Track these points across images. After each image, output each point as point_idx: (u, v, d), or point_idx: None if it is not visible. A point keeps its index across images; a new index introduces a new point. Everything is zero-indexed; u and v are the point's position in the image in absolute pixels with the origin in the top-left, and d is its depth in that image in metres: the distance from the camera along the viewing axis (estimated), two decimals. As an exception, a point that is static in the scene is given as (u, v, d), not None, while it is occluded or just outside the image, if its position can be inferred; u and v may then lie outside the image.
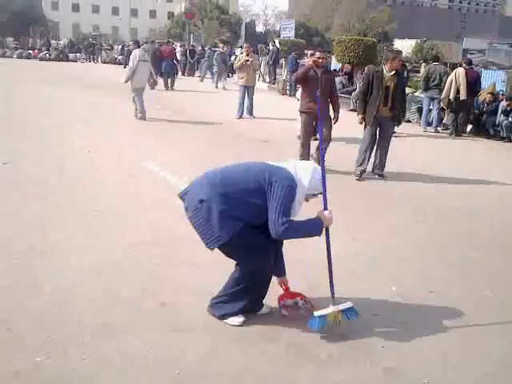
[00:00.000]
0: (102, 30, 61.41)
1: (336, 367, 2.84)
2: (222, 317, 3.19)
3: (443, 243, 4.88)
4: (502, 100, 11.64)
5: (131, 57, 11.04)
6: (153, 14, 72.35)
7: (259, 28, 70.85)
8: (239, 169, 3.15)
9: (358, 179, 6.91)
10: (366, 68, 13.01)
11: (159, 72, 18.08)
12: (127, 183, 6.09)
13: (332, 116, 7.10)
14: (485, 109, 11.82)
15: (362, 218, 5.48)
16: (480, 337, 3.24)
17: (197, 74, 24.36)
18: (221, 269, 3.94)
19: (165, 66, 18.29)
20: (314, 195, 3.16)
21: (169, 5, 72.22)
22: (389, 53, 7.19)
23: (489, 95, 11.91)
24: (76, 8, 68.24)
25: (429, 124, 12.04)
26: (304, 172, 3.05)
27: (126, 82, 10.83)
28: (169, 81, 18.17)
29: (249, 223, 2.99)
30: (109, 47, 36.19)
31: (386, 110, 6.79)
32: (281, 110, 11.54)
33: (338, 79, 18.01)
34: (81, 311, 3.20)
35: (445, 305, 3.62)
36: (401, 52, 7.61)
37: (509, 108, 11.26)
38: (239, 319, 3.18)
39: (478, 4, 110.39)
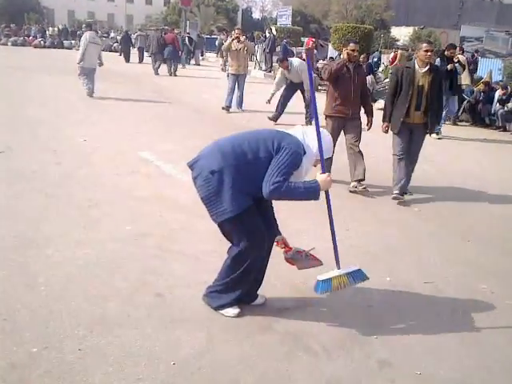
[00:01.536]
0: (97, 17, 60.84)
1: (330, 359, 2.87)
2: (218, 308, 3.20)
3: (439, 236, 4.91)
4: (498, 89, 11.64)
5: (82, 39, 11.68)
6: (149, 0, 71.72)
7: (256, 15, 70.33)
8: (250, 138, 3.04)
9: (399, 203, 5.69)
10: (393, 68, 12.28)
11: (162, 59, 18.84)
12: (123, 174, 6.08)
13: (364, 121, 6.13)
14: (481, 98, 11.81)
15: (357, 210, 5.50)
16: (473, 329, 3.28)
17: (192, 62, 24.34)
18: (217, 261, 3.95)
19: (167, 52, 18.80)
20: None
21: (165, -9, 71.58)
22: (420, 43, 5.88)
23: (483, 85, 11.93)
24: (71, -6, 67.53)
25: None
26: (313, 137, 3.00)
27: (79, 63, 11.33)
28: (172, 67, 18.80)
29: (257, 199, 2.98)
30: (105, 34, 35.92)
31: (418, 116, 5.59)
32: (277, 99, 11.24)
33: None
34: (77, 303, 3.21)
35: (439, 296, 3.66)
36: (431, 43, 5.98)
37: (504, 97, 11.26)
38: (234, 311, 3.19)
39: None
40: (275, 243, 3.29)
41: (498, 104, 11.43)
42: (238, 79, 11.11)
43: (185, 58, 23.07)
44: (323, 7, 59.35)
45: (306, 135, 3.02)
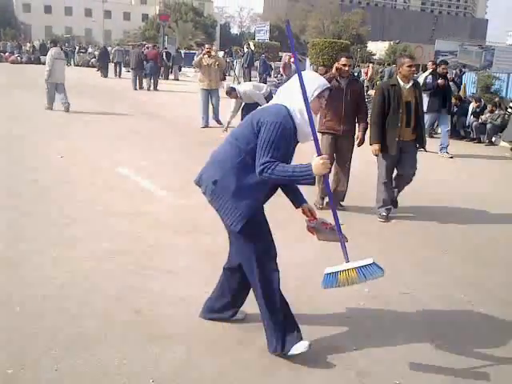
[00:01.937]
0: (75, 32, 60.76)
1: (310, 372, 2.86)
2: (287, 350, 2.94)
3: (416, 246, 4.96)
4: (472, 102, 11.89)
5: (47, 55, 11.98)
6: (127, 15, 71.88)
7: (234, 30, 70.94)
8: (238, 133, 2.88)
9: (383, 221, 5.64)
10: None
11: (143, 73, 19.45)
12: (101, 190, 6.04)
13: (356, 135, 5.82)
14: (455, 110, 12.05)
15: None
16: (450, 338, 3.31)
17: (171, 76, 24.41)
18: (196, 277, 3.97)
19: (148, 67, 19.36)
20: (326, 90, 2.84)
21: (143, 7, 71.83)
22: (402, 58, 5.60)
23: (455, 99, 12.14)
24: (48, 10, 67.42)
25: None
26: (290, 87, 2.82)
27: (47, 79, 11.66)
28: (151, 82, 19.37)
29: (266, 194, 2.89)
30: (83, 50, 35.81)
31: (408, 132, 5.49)
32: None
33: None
34: (53, 323, 3.17)
35: (416, 306, 3.70)
36: (413, 58, 5.84)
37: (478, 109, 11.50)
38: (304, 343, 2.94)
39: (449, 6, 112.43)
40: (301, 210, 3.12)
41: (472, 116, 11.67)
42: (211, 94, 10.99)
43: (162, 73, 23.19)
44: (301, 22, 60.17)
45: (284, 93, 2.85)
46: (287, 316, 2.96)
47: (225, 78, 10.42)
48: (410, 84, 5.46)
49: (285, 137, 2.71)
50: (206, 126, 10.95)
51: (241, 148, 2.79)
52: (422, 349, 3.16)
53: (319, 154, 2.74)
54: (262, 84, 11.10)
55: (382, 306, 3.68)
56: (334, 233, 3.03)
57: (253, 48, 21.02)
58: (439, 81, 9.73)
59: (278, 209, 3.41)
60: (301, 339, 2.92)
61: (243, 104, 10.00)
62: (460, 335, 3.36)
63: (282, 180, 2.73)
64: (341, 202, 5.89)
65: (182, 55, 27.04)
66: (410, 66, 5.41)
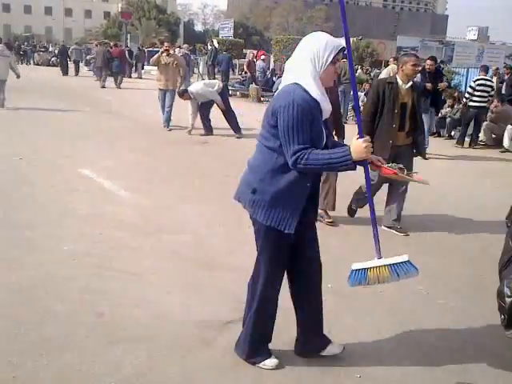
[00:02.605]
0: (34, 31, 59.33)
1: (272, 370, 2.87)
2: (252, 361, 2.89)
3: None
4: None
5: None
6: (88, 13, 70.57)
7: (198, 27, 70.51)
8: (262, 133, 2.63)
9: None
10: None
11: (110, 72, 19.85)
12: (62, 192, 5.92)
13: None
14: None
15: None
16: (411, 331, 3.37)
17: (134, 75, 24.23)
18: (159, 278, 3.94)
19: (113, 66, 19.75)
20: (341, 52, 2.52)
21: (105, 4, 70.65)
22: (405, 56, 5.24)
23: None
24: (7, 8, 65.65)
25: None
26: (305, 63, 2.46)
27: None
28: (118, 80, 19.71)
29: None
30: (42, 48, 35.02)
31: (402, 137, 5.07)
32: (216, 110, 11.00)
33: (279, 80, 18.27)
34: (12, 329, 3.09)
35: (378, 300, 3.75)
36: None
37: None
38: (271, 362, 2.89)
39: (410, 3, 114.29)
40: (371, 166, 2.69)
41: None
42: (166, 95, 10.53)
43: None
44: (265, 19, 60.26)
45: (291, 70, 2.53)
46: (268, 329, 2.90)
47: (184, 78, 10.24)
48: (409, 85, 5.06)
49: (305, 115, 2.39)
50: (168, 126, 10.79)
51: (270, 147, 2.54)
52: (383, 341, 3.21)
53: (361, 135, 2.47)
54: (213, 81, 11.04)
55: (344, 300, 3.72)
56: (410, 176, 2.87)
57: (217, 45, 20.93)
58: (427, 85, 9.22)
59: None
60: (270, 354, 2.89)
61: (200, 103, 9.96)
62: (419, 325, 3.42)
63: (318, 168, 2.47)
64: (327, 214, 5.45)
65: (146, 53, 26.73)
66: (414, 65, 5.02)
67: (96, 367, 2.78)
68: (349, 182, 5.49)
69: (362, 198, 5.28)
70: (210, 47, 20.68)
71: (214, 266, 4.17)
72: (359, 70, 23.98)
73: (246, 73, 19.84)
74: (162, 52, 10.53)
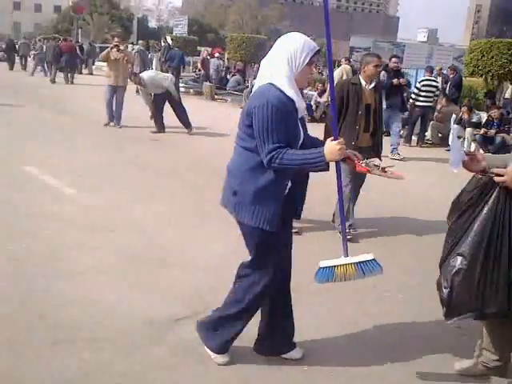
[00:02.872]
0: (-20, 24, 57.13)
1: (220, 367, 2.86)
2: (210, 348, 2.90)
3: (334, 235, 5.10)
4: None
5: None
6: (38, 7, 68.47)
7: (152, 24, 69.59)
8: (240, 130, 2.62)
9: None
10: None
11: (59, 67, 19.45)
12: (5, 190, 5.73)
13: None
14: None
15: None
16: (357, 326, 3.43)
17: (85, 71, 23.74)
18: (105, 277, 3.87)
19: (64, 61, 19.27)
20: (317, 54, 2.53)
21: (55, -2, 68.71)
22: (368, 57, 5.16)
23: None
24: (-51, 0, 62.93)
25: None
26: (281, 63, 2.47)
27: None
28: (69, 75, 19.30)
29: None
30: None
31: (366, 138, 5.03)
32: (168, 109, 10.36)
33: (234, 78, 18.33)
34: (-52, 332, 2.98)
35: (327, 293, 3.79)
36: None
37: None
38: (223, 359, 2.90)
39: (363, 4, 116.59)
40: (346, 161, 2.75)
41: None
42: (116, 92, 10.24)
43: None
44: (220, 17, 60.10)
45: (266, 70, 2.54)
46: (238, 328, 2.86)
47: (135, 74, 10.03)
48: (372, 85, 5.05)
49: (280, 115, 2.40)
50: (108, 123, 10.38)
51: (247, 148, 2.55)
52: (331, 339, 3.27)
53: (336, 137, 2.49)
54: (166, 73, 10.96)
55: (298, 295, 3.74)
56: (383, 171, 2.87)
57: (170, 42, 20.68)
58: (394, 80, 9.36)
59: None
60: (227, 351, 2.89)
61: (153, 96, 9.80)
62: (367, 326, 3.49)
63: (292, 167, 2.47)
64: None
65: (97, 49, 26.21)
66: (376, 66, 5.01)
67: (39, 371, 2.71)
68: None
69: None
70: (163, 44, 20.43)
71: (163, 264, 4.13)
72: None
73: (199, 70, 19.73)
74: (112, 47, 10.27)
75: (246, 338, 2.94)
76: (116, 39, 10.67)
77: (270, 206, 2.54)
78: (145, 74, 9.66)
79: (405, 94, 10.29)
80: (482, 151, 10.17)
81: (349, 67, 12.75)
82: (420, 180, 7.86)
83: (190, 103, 10.31)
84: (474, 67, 13.79)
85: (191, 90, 18.57)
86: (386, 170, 3.07)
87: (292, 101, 2.46)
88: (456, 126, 10.82)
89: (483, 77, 14.12)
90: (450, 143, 10.76)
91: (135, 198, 5.81)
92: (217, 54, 20.18)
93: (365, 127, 4.97)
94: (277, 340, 2.93)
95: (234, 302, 2.82)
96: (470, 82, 16.46)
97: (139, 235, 4.71)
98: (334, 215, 5.29)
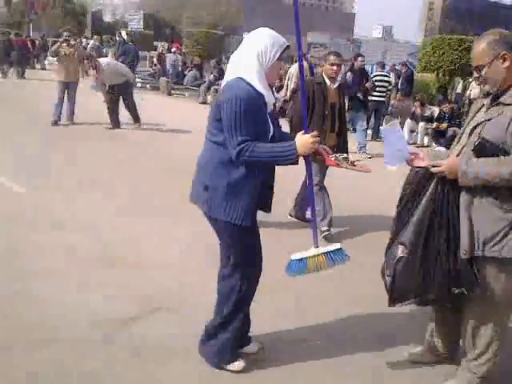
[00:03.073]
0: None
1: (176, 363, 2.85)
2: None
3: (289, 234, 5.10)
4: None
5: None
6: (-14, 0, 65.99)
7: (107, 18, 68.18)
8: (210, 124, 2.58)
9: (325, 237, 4.78)
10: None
11: (10, 62, 18.87)
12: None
13: None
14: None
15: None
16: (318, 318, 3.47)
17: (37, 66, 23.11)
18: (55, 277, 3.77)
19: (14, 55, 18.78)
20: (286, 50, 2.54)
21: (5, -10, 66.40)
22: (329, 55, 5.04)
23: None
24: None
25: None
26: (251, 58, 2.47)
27: None
28: (19, 71, 18.74)
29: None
30: None
31: (333, 138, 4.90)
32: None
33: (192, 73, 18.17)
34: None
35: (288, 291, 3.79)
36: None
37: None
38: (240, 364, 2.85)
39: (320, 0, 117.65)
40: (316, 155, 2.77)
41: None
42: (69, 88, 9.88)
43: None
44: (177, 12, 59.38)
45: (235, 65, 2.53)
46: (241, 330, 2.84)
47: (92, 57, 9.73)
48: (337, 84, 4.97)
49: (249, 109, 2.39)
50: (56, 122, 9.81)
51: (217, 142, 2.52)
52: (285, 321, 3.28)
53: (307, 131, 2.52)
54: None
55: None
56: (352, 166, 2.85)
57: (125, 37, 20.34)
58: (367, 84, 9.22)
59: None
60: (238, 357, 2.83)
61: (107, 87, 9.48)
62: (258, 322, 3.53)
63: (262, 160, 2.45)
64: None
65: (50, 43, 25.49)
66: (332, 65, 4.86)
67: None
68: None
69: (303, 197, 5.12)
70: (118, 39, 20.06)
71: (114, 263, 4.05)
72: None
73: (156, 65, 19.47)
74: (62, 42, 9.90)
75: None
76: (65, 34, 10.27)
77: (242, 201, 2.52)
78: (105, 60, 9.41)
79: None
80: (434, 144, 10.45)
81: (306, 63, 12.80)
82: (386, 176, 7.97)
83: (146, 99, 10.13)
84: (426, 63, 14.13)
85: (148, 86, 18.32)
86: (356, 163, 3.12)
87: (261, 95, 2.45)
88: (409, 120, 11.07)
89: (435, 72, 14.49)
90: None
91: (86, 195, 5.67)
92: (173, 49, 19.96)
93: (331, 127, 4.89)
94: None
95: (222, 306, 2.78)
96: (423, 78, 16.85)
97: (90, 234, 4.60)
98: (294, 207, 5.31)
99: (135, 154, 8.03)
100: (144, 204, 5.53)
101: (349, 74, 9.50)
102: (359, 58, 9.67)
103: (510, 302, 2.55)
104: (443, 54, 13.52)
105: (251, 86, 2.43)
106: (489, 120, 2.38)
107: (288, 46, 2.56)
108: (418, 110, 11.10)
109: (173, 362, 2.85)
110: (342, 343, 3.17)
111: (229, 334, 2.76)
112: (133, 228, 4.83)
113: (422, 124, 10.89)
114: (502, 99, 2.37)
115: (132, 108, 9.96)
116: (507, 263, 2.41)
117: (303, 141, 2.46)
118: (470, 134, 2.47)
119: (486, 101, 2.50)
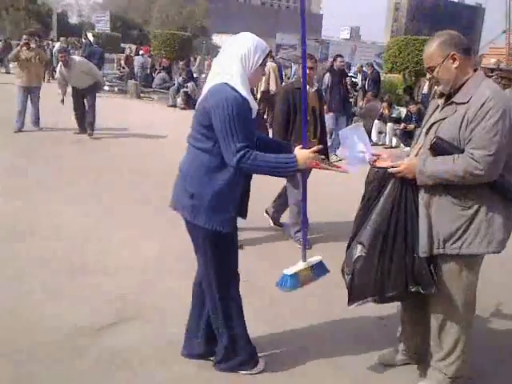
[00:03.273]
0: None
1: (147, 371, 2.83)
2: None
3: (267, 238, 5.12)
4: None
5: None
6: None
7: (73, 20, 67.11)
8: (193, 135, 2.55)
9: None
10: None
11: None
12: None
13: None
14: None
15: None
16: (286, 323, 3.49)
17: (1, 70, 22.60)
18: (26, 286, 3.70)
19: None
20: (268, 55, 2.60)
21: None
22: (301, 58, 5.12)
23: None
24: None
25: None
26: (235, 62, 2.45)
27: None
28: None
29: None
30: None
31: (315, 143, 4.53)
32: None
33: (160, 75, 18.03)
34: None
35: (253, 291, 3.81)
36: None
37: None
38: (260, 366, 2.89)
39: (288, 1, 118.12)
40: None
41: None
42: (31, 93, 9.48)
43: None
44: (144, 13, 58.83)
45: (218, 70, 2.50)
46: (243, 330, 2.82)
47: (65, 50, 9.38)
48: (314, 88, 4.92)
49: (240, 113, 2.37)
50: (20, 130, 9.38)
51: (202, 148, 2.49)
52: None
53: (305, 145, 2.56)
54: None
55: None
56: (333, 166, 2.91)
57: (91, 39, 20.13)
58: (369, 94, 9.09)
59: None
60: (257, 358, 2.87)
61: (73, 91, 9.14)
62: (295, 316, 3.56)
63: (261, 170, 2.43)
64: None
65: (13, 46, 24.96)
66: (308, 68, 4.55)
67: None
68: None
69: (283, 203, 5.11)
70: (84, 41, 19.80)
71: (87, 271, 4.00)
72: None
73: (123, 68, 19.26)
74: (22, 46, 9.50)
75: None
76: (25, 37, 9.88)
77: (226, 208, 2.52)
78: (78, 58, 9.17)
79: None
80: (402, 145, 10.63)
81: (275, 65, 12.85)
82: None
83: (114, 102, 9.99)
84: (392, 64, 14.34)
85: (116, 89, 18.03)
86: (332, 164, 3.17)
87: (246, 100, 2.43)
88: (377, 121, 11.22)
89: (401, 73, 14.72)
90: (372, 138, 11.10)
91: (60, 202, 5.58)
92: (141, 52, 19.78)
93: (314, 132, 4.79)
94: (211, 342, 2.90)
95: (213, 318, 2.78)
96: (390, 78, 17.12)
97: (63, 241, 4.54)
98: (273, 206, 5.27)
99: (104, 159, 7.93)
100: (114, 211, 5.47)
101: (327, 75, 9.32)
102: (338, 59, 9.37)
103: (472, 299, 2.61)
104: (408, 54, 13.74)
105: (236, 91, 2.40)
106: (443, 119, 2.45)
107: (270, 52, 2.59)
108: (386, 111, 11.26)
109: (147, 371, 2.83)
110: (316, 344, 3.20)
111: (229, 343, 2.76)
112: (108, 238, 4.75)
113: (390, 125, 11.05)
114: (454, 98, 2.44)
115: (91, 113, 9.33)
116: (467, 260, 2.49)
117: (304, 155, 2.48)
118: (427, 134, 2.54)
119: (441, 101, 2.57)
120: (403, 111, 11.49)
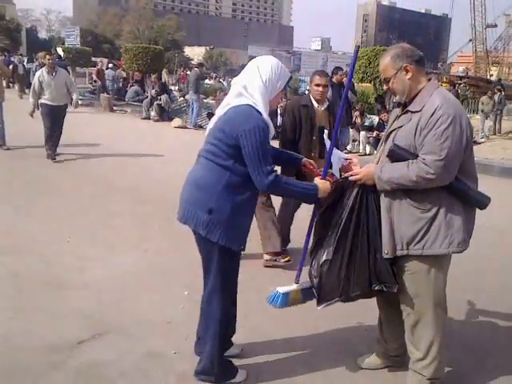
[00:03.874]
0: None
1: (130, 382, 2.80)
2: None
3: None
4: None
5: None
6: None
7: (43, 34, 66.55)
8: (215, 146, 2.55)
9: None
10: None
11: None
12: None
13: None
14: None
15: (153, 229, 5.50)
16: (266, 332, 3.49)
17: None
18: None
19: None
20: (289, 82, 2.72)
21: None
22: (315, 75, 4.59)
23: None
24: None
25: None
26: (250, 81, 2.55)
27: None
28: None
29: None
30: None
31: (322, 164, 4.47)
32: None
33: (133, 88, 17.99)
34: None
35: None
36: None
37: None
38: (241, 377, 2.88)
39: (258, 14, 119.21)
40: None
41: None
42: None
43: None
44: (114, 27, 58.69)
45: (240, 91, 2.56)
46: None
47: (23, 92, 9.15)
48: (325, 106, 4.60)
49: (266, 138, 2.49)
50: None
51: (222, 165, 2.51)
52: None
53: (324, 177, 2.72)
54: None
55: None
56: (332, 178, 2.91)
57: (61, 54, 19.96)
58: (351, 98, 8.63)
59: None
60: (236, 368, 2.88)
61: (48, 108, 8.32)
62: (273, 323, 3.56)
63: (287, 193, 2.66)
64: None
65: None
66: (318, 85, 4.48)
67: None
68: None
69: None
70: (53, 56, 19.63)
71: (61, 286, 3.93)
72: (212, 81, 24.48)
73: (96, 81, 19.14)
74: None
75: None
76: None
77: (243, 225, 2.61)
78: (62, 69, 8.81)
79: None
80: (376, 152, 10.78)
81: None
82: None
83: (86, 116, 9.86)
84: (362, 74, 14.58)
85: (88, 102, 17.87)
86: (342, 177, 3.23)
87: (267, 125, 2.51)
88: (351, 129, 11.37)
89: (372, 83, 14.98)
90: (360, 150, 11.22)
91: (29, 217, 5.50)
92: (111, 65, 19.69)
93: (319, 152, 4.48)
94: None
95: (204, 332, 2.82)
96: (362, 88, 17.38)
97: (35, 256, 4.46)
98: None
99: (78, 175, 7.84)
100: (88, 226, 5.40)
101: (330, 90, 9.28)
102: (339, 72, 9.23)
103: (442, 300, 2.64)
104: (377, 65, 13.97)
105: (261, 114, 2.50)
106: (400, 127, 2.56)
107: (291, 78, 2.72)
108: (359, 120, 11.43)
109: (127, 383, 2.80)
110: (296, 352, 3.21)
111: (217, 353, 2.76)
112: (82, 252, 4.69)
113: (363, 133, 11.21)
114: (409, 107, 2.54)
115: (59, 136, 8.65)
116: (433, 260, 2.54)
117: (325, 187, 2.64)
118: (386, 142, 2.65)
119: (398, 110, 2.68)
120: (375, 119, 11.68)
